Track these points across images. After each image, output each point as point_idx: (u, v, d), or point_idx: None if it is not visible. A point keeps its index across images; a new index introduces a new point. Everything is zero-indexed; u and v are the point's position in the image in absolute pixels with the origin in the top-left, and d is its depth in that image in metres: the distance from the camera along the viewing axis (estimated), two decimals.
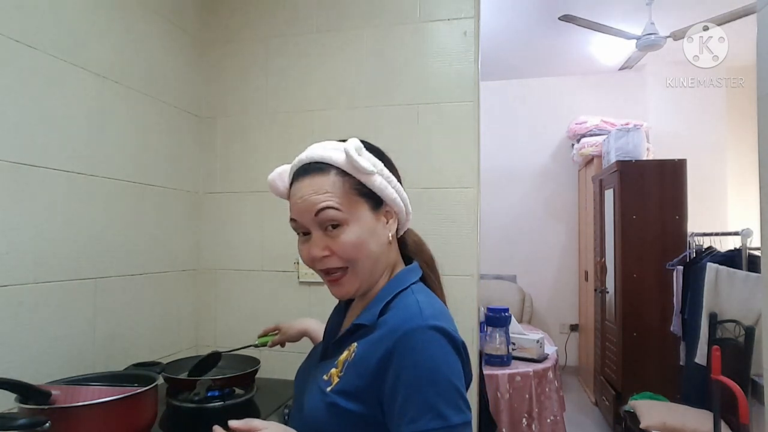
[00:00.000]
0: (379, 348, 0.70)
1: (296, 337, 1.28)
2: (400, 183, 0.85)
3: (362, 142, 0.79)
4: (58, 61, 1.27)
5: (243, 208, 1.83)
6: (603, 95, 4.76)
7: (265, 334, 1.34)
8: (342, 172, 0.77)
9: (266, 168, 1.79)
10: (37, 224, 1.21)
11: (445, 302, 0.82)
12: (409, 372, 0.66)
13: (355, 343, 0.75)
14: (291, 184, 0.82)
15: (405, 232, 0.88)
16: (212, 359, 1.41)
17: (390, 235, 0.81)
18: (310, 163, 0.79)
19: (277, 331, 1.32)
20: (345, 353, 0.76)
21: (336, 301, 0.95)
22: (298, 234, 0.82)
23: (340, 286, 0.79)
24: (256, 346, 1.34)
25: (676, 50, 3.00)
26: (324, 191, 0.75)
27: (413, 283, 0.80)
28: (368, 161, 0.77)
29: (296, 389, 0.92)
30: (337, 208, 0.75)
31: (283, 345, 1.32)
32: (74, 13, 1.32)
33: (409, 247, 0.88)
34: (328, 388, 0.73)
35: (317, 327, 1.23)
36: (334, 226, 0.76)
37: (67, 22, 1.30)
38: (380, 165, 0.79)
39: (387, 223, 0.81)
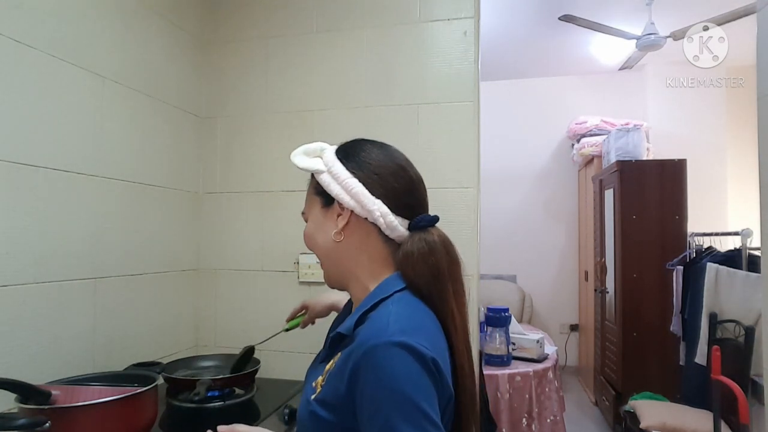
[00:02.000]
0: (349, 362, 0.69)
1: (325, 312, 1.27)
2: (381, 179, 0.79)
3: (349, 142, 0.85)
4: (58, 61, 1.27)
5: (243, 208, 1.83)
6: (603, 95, 4.76)
7: (293, 317, 1.31)
8: (311, 174, 0.86)
9: (266, 168, 1.82)
10: (37, 224, 1.21)
11: (450, 317, 0.76)
12: (371, 390, 0.65)
13: (339, 353, 0.74)
14: None
15: (415, 240, 0.78)
16: (249, 354, 1.46)
17: (332, 232, 0.82)
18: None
19: (304, 311, 1.30)
20: (331, 362, 0.75)
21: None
22: None
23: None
24: (287, 330, 1.30)
25: (676, 50, 3.00)
26: (306, 193, 0.89)
27: (397, 291, 0.75)
28: (319, 161, 0.83)
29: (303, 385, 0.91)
30: (303, 212, 0.88)
31: (313, 323, 1.29)
32: (74, 13, 1.32)
33: (397, 257, 0.80)
34: (312, 396, 0.73)
35: (344, 298, 1.15)
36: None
37: (67, 22, 1.30)
38: (332, 163, 0.82)
39: (337, 221, 0.82)
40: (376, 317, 0.72)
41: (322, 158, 0.84)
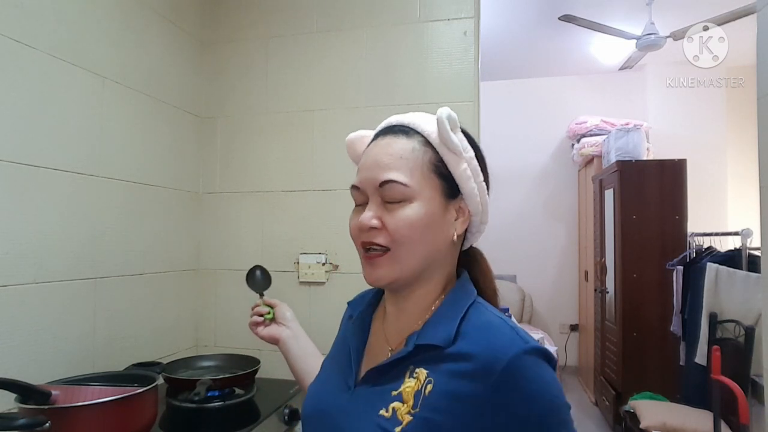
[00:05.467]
0: (477, 378, 0.58)
1: (280, 331, 1.02)
2: (488, 187, 0.73)
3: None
4: (58, 61, 1.27)
5: (243, 208, 1.83)
6: (603, 95, 4.76)
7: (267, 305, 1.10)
8: (426, 142, 0.67)
9: (266, 168, 1.82)
10: (37, 224, 1.21)
11: None
12: (527, 405, 0.57)
13: (425, 370, 0.62)
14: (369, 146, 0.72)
15: (475, 252, 0.76)
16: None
17: (455, 234, 0.68)
18: (395, 125, 0.70)
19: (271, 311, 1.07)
20: (411, 382, 0.62)
21: (344, 308, 0.86)
22: (356, 204, 0.71)
23: (376, 268, 0.66)
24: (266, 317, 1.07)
25: (676, 50, 3.00)
26: (399, 156, 0.66)
27: (477, 296, 0.69)
28: (458, 141, 0.67)
29: (319, 419, 0.72)
30: (404, 184, 0.64)
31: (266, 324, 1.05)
32: (74, 13, 1.32)
33: (476, 267, 0.74)
34: (398, 429, 0.59)
35: (292, 333, 1.02)
36: (397, 201, 0.65)
37: (67, 22, 1.30)
38: (471, 153, 0.69)
39: (456, 219, 0.69)
40: (486, 324, 0.63)
41: (458, 136, 0.68)
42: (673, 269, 3.06)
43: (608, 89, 4.75)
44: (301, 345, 1.01)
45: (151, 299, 1.61)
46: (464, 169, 0.67)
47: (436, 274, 0.69)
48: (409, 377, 0.62)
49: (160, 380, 1.21)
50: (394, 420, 0.60)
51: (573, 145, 4.59)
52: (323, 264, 1.72)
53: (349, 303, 0.86)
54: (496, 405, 0.57)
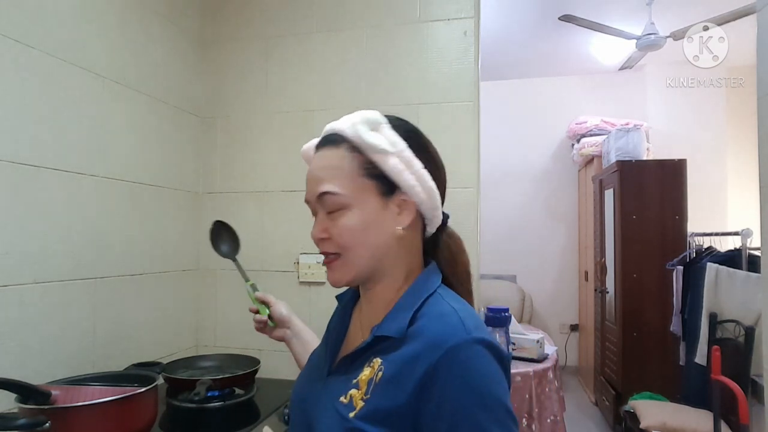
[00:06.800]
0: (417, 366, 0.61)
1: (281, 322, 1.05)
2: (441, 176, 0.75)
3: (394, 117, 0.73)
4: (58, 61, 1.27)
5: (243, 208, 1.83)
6: (603, 95, 4.76)
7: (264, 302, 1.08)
8: (353, 147, 0.69)
9: (266, 168, 1.82)
10: (37, 224, 1.21)
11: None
12: (458, 394, 0.58)
13: (379, 359, 0.65)
14: None
15: (444, 237, 0.77)
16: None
17: (400, 228, 0.70)
18: (328, 135, 0.72)
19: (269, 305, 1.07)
20: (367, 370, 0.65)
21: (334, 304, 0.89)
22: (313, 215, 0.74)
23: (332, 272, 0.72)
24: (261, 312, 1.07)
25: (676, 50, 3.00)
26: (330, 167, 0.69)
27: (438, 286, 0.71)
28: (383, 138, 0.68)
29: (299, 406, 0.77)
30: (337, 193, 0.68)
31: (266, 326, 1.06)
32: (74, 13, 1.32)
33: (440, 254, 0.76)
34: (351, 414, 0.63)
35: (298, 321, 1.06)
36: (336, 210, 0.69)
37: (67, 22, 1.30)
38: (402, 145, 0.69)
39: (399, 213, 0.70)
40: (437, 314, 0.65)
41: (381, 134, 0.69)
42: (673, 269, 3.06)
43: (608, 89, 4.76)
44: (304, 341, 1.04)
45: (151, 299, 1.61)
46: (394, 164, 0.69)
47: (396, 268, 0.72)
48: (367, 366, 0.66)
49: (160, 380, 1.21)
50: (350, 406, 0.64)
51: (573, 145, 4.60)
52: (323, 264, 1.72)
53: (337, 297, 0.89)
54: (431, 392, 0.59)
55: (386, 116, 0.72)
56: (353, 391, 0.65)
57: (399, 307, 0.69)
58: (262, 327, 1.06)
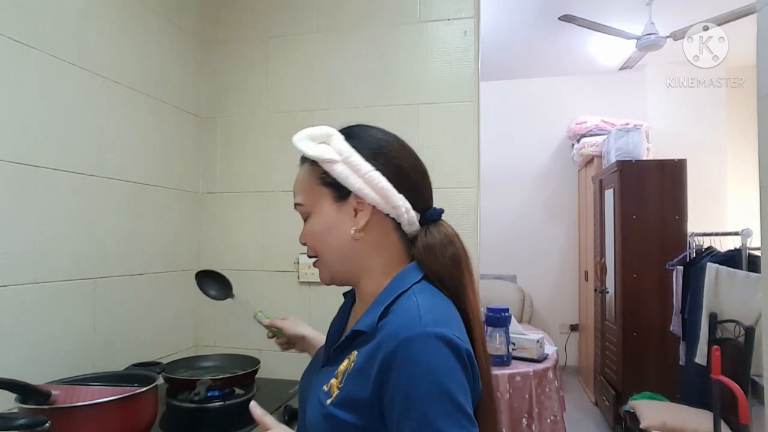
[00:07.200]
0: (377, 357, 0.65)
1: (294, 340, 1.11)
2: (405, 176, 0.76)
3: (356, 127, 0.79)
4: (58, 61, 1.27)
5: (243, 208, 1.83)
6: (603, 95, 4.76)
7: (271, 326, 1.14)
8: (312, 161, 0.77)
9: (266, 168, 1.82)
10: (38, 224, 1.21)
11: (470, 306, 0.75)
12: (407, 384, 0.62)
13: (356, 352, 0.70)
14: None
15: (422, 233, 0.77)
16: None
17: (354, 229, 0.75)
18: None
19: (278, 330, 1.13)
20: (345, 362, 0.71)
21: (340, 302, 0.92)
22: None
23: (318, 271, 0.81)
24: (271, 334, 1.14)
25: (676, 50, 3.00)
26: (298, 181, 0.81)
27: (415, 283, 0.73)
28: (328, 149, 0.74)
29: (300, 396, 0.86)
30: (301, 204, 0.79)
31: (285, 347, 1.14)
32: (74, 13, 1.32)
33: (417, 250, 0.77)
34: (328, 401, 0.68)
35: (316, 335, 1.10)
36: (306, 218, 0.80)
37: (67, 21, 1.30)
38: (348, 152, 0.74)
39: (356, 216, 0.75)
40: (402, 309, 0.69)
41: (330, 145, 0.75)
42: (673, 269, 3.06)
43: (608, 89, 4.75)
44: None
45: (151, 299, 1.61)
46: (341, 170, 0.74)
47: (372, 267, 0.77)
48: (346, 358, 0.72)
49: (160, 380, 1.21)
50: (328, 394, 0.70)
51: (573, 145, 4.59)
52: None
53: (344, 294, 0.94)
54: (387, 381, 0.63)
55: (348, 127, 0.79)
56: (333, 381, 0.71)
57: (375, 304, 0.73)
58: (286, 347, 1.13)
